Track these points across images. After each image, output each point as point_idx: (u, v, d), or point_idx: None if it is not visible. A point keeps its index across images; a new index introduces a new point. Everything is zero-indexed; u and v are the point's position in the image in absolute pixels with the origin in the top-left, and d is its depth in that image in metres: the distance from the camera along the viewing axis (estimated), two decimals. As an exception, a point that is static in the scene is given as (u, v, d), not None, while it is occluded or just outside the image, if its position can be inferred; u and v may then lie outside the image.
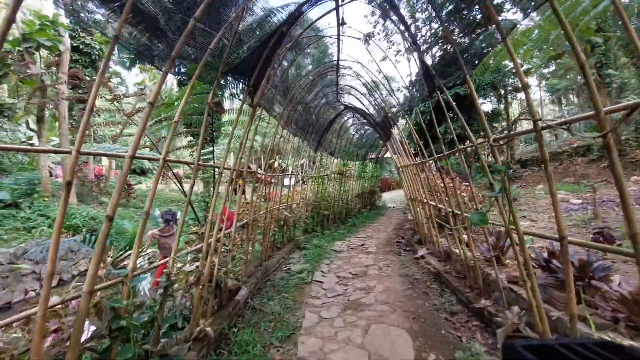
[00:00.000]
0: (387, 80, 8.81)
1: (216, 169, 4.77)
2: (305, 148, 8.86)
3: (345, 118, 10.27)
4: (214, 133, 7.36)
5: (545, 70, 23.31)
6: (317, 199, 9.68)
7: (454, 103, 4.05)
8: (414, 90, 7.26)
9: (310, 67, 7.59)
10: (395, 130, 7.88)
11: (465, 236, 4.47)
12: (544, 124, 2.12)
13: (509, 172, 2.52)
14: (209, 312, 3.27)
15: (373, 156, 16.92)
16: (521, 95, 19.93)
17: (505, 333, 2.67)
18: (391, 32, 23.92)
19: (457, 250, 4.40)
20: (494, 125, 14.67)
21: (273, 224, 6.34)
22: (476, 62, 4.14)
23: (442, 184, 7.51)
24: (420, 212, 6.64)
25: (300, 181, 9.37)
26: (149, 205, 2.37)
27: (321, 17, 4.48)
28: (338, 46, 5.72)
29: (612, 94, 21.59)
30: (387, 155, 22.61)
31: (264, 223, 5.56)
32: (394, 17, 4.77)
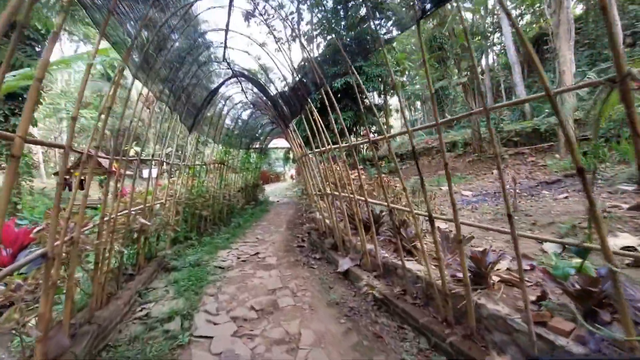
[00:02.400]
0: (265, 70, 7.26)
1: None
2: (177, 128, 6.36)
3: (231, 93, 8.13)
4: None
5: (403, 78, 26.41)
6: (192, 196, 7.28)
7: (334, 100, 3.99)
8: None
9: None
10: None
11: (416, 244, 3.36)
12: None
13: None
14: None
15: (257, 146, 15.09)
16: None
17: None
18: (272, 17, 22.39)
19: (406, 264, 3.23)
20: (374, 118, 15.10)
21: (119, 240, 3.88)
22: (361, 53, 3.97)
23: (353, 175, 6.49)
24: (330, 208, 5.35)
25: (167, 172, 6.74)
26: None
27: None
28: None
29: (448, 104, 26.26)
30: (272, 145, 21.12)
31: (95, 245, 3.11)
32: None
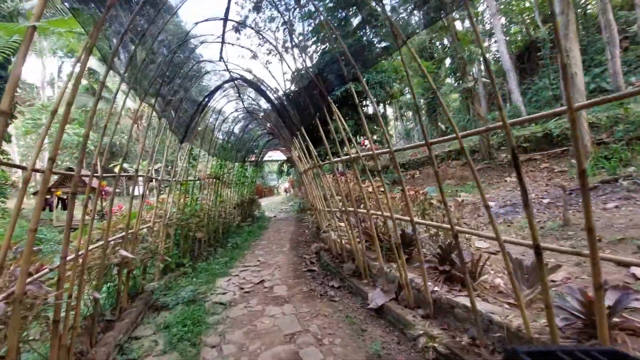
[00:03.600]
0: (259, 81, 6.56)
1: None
2: (167, 141, 5.53)
3: (226, 101, 7.37)
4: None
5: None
6: (184, 217, 6.40)
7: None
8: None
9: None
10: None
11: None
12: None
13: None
14: None
15: (252, 158, 14.28)
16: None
17: None
18: (263, 29, 21.89)
19: (470, 304, 2.45)
20: (375, 127, 14.51)
21: (93, 280, 3.01)
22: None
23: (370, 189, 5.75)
24: (350, 228, 4.56)
25: (156, 190, 5.85)
26: None
27: None
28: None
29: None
30: (267, 157, 20.33)
31: (56, 296, 2.25)
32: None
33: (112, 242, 3.46)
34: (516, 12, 26.77)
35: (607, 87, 16.82)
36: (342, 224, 5.09)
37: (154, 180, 5.38)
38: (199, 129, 7.34)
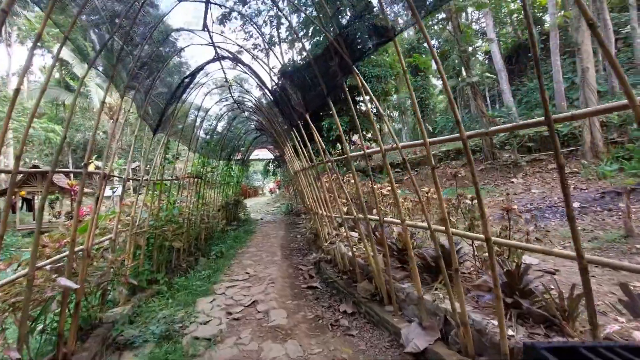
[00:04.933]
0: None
1: None
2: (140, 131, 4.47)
3: (212, 84, 6.34)
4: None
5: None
6: (159, 223, 5.34)
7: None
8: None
9: None
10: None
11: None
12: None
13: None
14: None
15: (238, 157, 13.20)
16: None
17: None
18: (249, 20, 20.71)
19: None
20: (368, 125, 13.69)
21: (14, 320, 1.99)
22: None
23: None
24: (369, 240, 3.67)
25: (122, 190, 4.76)
26: None
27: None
28: None
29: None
30: (254, 156, 19.20)
31: None
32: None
33: (50, 266, 2.43)
34: (505, 13, 26.75)
35: (599, 88, 16.74)
36: (354, 233, 4.20)
37: (125, 179, 4.31)
38: (179, 124, 6.29)
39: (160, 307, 4.32)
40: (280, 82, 4.51)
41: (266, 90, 4.99)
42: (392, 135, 3.36)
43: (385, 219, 3.32)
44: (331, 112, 3.63)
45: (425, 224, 2.80)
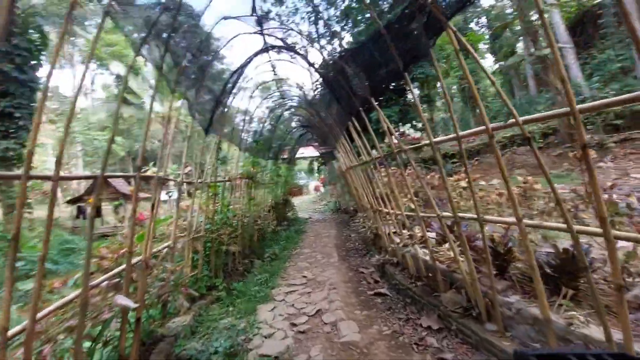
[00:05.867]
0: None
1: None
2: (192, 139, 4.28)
3: (258, 80, 6.07)
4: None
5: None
6: (215, 227, 5.16)
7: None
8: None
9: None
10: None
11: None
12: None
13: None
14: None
15: (285, 155, 13.04)
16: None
17: None
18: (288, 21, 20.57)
19: None
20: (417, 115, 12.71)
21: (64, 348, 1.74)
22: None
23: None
24: (466, 248, 3.05)
25: (179, 194, 4.62)
26: None
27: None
28: None
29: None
30: (299, 154, 19.08)
31: None
32: None
33: (105, 283, 2.19)
34: None
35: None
36: (432, 235, 3.59)
37: (179, 182, 4.14)
38: (228, 127, 6.10)
39: (221, 316, 4.10)
40: (335, 67, 4.00)
41: (315, 81, 4.55)
42: (453, 121, 2.78)
43: (486, 217, 2.68)
44: (393, 99, 3.06)
45: (560, 224, 2.15)
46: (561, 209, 2.00)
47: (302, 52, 4.25)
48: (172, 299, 3.33)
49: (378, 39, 2.75)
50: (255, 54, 4.38)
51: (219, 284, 4.93)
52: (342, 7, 16.63)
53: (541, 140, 10.52)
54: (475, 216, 2.66)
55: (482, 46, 27.47)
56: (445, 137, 4.01)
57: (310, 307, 4.26)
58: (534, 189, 4.05)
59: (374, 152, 5.34)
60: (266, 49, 4.37)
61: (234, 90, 4.80)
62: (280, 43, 4.22)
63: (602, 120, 8.88)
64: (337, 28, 16.51)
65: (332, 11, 19.04)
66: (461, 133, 2.80)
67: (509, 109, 2.18)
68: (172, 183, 4.53)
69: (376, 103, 3.64)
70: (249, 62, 4.37)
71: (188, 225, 4.17)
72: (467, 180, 3.52)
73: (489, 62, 32.12)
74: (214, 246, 5.10)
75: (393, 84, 10.31)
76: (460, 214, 2.98)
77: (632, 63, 15.17)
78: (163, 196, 7.03)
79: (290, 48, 4.33)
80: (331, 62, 4.14)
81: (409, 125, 12.76)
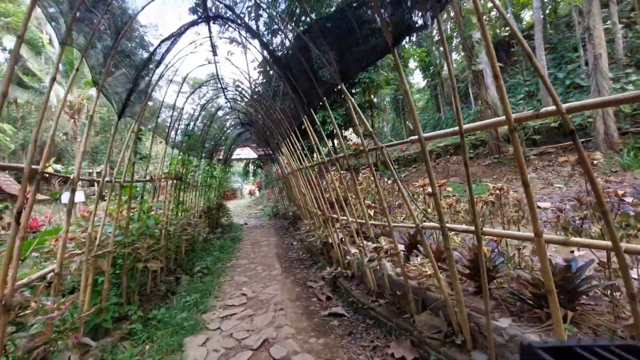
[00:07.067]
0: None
1: None
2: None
3: (192, 65, 5.08)
4: None
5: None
6: (129, 237, 4.04)
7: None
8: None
9: None
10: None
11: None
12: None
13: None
14: None
15: (220, 156, 11.83)
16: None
17: None
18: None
19: None
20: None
21: None
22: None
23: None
24: (451, 262, 2.65)
25: (71, 197, 3.42)
26: None
27: None
28: None
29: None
30: (236, 155, 17.77)
31: None
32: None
33: None
34: (484, 10, 26.80)
35: (582, 83, 16.80)
36: (389, 245, 3.14)
37: (72, 180, 3.01)
38: (157, 91, 5.00)
39: (133, 359, 3.09)
40: (297, 45, 3.33)
41: (268, 66, 3.84)
42: (417, 126, 2.46)
43: (485, 229, 2.29)
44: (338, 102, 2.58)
45: (527, 233, 1.83)
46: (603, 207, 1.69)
47: (253, 28, 3.50)
48: (55, 352, 2.27)
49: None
50: (192, 24, 3.50)
51: (133, 313, 3.84)
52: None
53: (471, 151, 11.29)
54: (467, 227, 2.27)
55: (412, 64, 29.60)
56: (407, 139, 3.70)
57: (253, 336, 3.50)
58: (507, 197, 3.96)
59: (318, 155, 4.87)
60: (206, 17, 3.51)
61: (164, 69, 3.82)
62: (231, 8, 3.38)
63: (525, 135, 9.86)
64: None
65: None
66: (425, 135, 2.49)
67: (457, 116, 2.15)
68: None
69: (400, 70, 3.14)
70: (183, 32, 3.46)
71: (88, 238, 3.06)
72: (430, 185, 3.17)
73: (417, 79, 34.66)
74: (127, 263, 3.97)
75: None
76: (428, 224, 2.60)
77: (535, 89, 17.50)
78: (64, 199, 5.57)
79: (240, 18, 3.53)
80: (293, 39, 3.50)
81: (350, 130, 12.68)
